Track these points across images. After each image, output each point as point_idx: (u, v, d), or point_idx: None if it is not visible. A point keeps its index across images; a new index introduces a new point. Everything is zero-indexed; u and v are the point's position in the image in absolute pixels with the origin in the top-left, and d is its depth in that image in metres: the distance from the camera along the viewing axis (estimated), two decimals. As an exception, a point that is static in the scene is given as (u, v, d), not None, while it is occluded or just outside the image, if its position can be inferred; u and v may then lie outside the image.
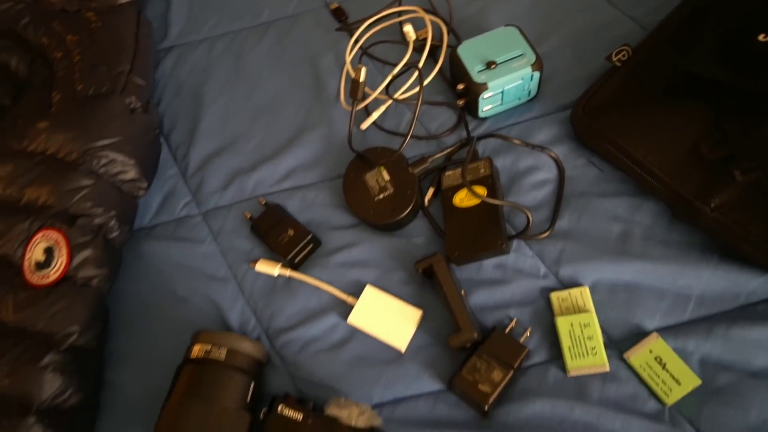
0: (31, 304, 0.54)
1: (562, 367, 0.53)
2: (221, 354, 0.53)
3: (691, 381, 0.50)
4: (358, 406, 0.51)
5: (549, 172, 0.62)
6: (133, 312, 0.61)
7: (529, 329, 0.55)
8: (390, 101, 0.69)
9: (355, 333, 0.58)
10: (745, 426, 0.48)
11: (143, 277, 0.63)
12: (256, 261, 0.62)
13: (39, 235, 0.56)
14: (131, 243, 0.65)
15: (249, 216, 0.64)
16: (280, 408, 0.52)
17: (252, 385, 0.53)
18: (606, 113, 0.61)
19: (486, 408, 0.50)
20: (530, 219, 0.57)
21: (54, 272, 0.55)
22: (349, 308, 0.58)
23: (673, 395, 0.50)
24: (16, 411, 0.51)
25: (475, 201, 0.59)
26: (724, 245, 0.55)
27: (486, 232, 0.57)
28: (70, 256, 0.56)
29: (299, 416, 0.51)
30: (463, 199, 0.60)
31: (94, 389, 0.57)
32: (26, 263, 0.56)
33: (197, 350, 0.53)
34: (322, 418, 0.51)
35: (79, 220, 0.57)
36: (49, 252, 0.55)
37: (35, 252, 0.55)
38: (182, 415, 0.50)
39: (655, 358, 0.51)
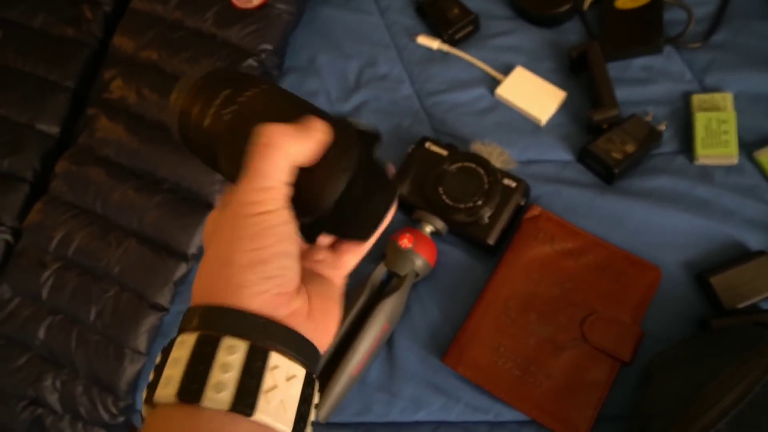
0: (236, 21, 0.64)
1: (690, 158, 0.58)
2: None
3: (816, 179, 0.54)
4: (500, 147, 0.59)
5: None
6: (306, 58, 0.70)
7: (665, 122, 0.59)
8: None
9: (499, 105, 0.65)
10: None
11: (317, 33, 0.71)
12: (417, 35, 0.69)
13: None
14: (310, 6, 0.73)
15: (417, -4, 0.70)
16: (427, 144, 0.60)
17: None
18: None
19: (615, 171, 0.56)
20: (692, 15, 0.60)
21: (257, -1, 0.64)
22: (497, 85, 0.65)
23: (794, 189, 0.54)
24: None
25: (637, 3, 0.62)
26: None
27: (645, 30, 0.61)
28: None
29: (444, 152, 0.59)
30: (626, 1, 0.63)
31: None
32: (232, -10, 0.65)
33: None
34: (465, 153, 0.59)
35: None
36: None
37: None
38: None
39: (785, 158, 0.55)
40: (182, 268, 0.59)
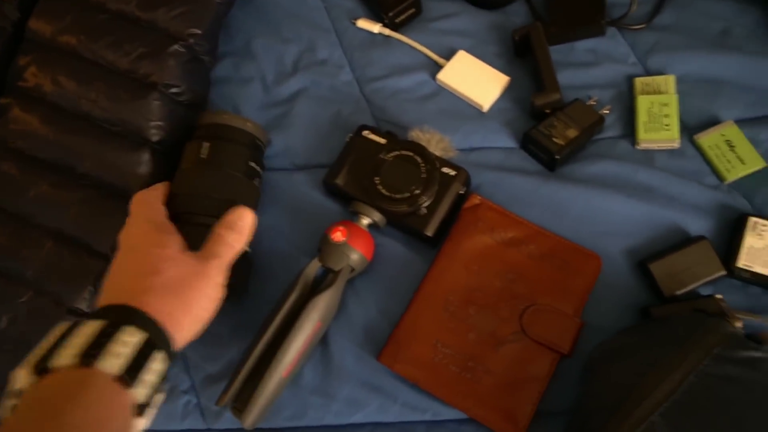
0: (162, 4, 0.59)
1: (633, 142, 0.57)
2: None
3: (755, 162, 0.53)
4: (440, 134, 0.56)
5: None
6: (241, 42, 0.67)
7: (609, 107, 0.58)
8: None
9: (442, 91, 0.62)
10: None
11: (253, 15, 0.68)
12: (357, 18, 0.66)
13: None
14: (243, -14, 0.69)
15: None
16: (365, 132, 0.57)
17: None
18: None
19: (556, 157, 0.55)
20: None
21: (182, -22, 0.60)
22: (439, 69, 0.62)
23: (734, 172, 0.53)
24: (144, 88, 0.58)
25: (581, -16, 0.61)
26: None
27: (588, 12, 0.60)
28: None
29: (383, 140, 0.57)
30: (569, -18, 0.61)
31: (203, 102, 0.63)
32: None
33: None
34: (403, 140, 0.56)
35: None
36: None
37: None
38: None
39: (726, 141, 0.54)
40: (103, 270, 0.55)
